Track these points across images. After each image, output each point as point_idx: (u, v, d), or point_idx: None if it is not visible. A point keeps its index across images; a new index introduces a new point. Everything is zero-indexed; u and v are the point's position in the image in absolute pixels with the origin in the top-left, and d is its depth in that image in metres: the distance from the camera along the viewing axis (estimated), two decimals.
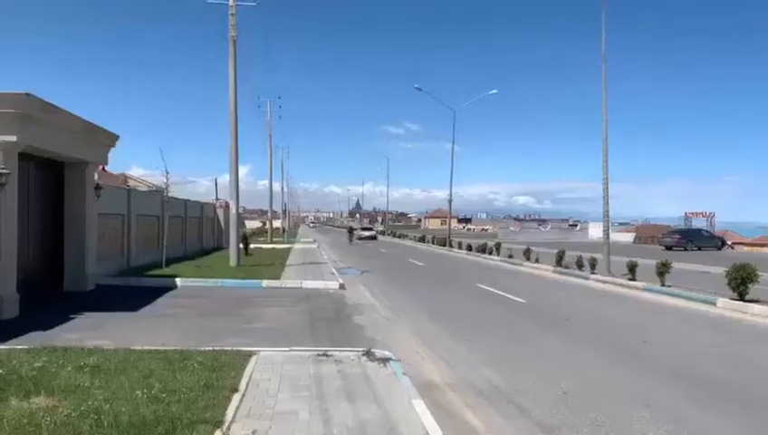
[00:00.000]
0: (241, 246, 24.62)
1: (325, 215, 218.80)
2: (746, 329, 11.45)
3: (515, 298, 15.44)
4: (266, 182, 53.78)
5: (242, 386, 6.39)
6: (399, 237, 63.57)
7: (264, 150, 54.93)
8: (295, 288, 16.63)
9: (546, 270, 23.66)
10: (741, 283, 13.48)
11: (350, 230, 57.98)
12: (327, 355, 7.98)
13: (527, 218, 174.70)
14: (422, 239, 52.11)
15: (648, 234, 55.75)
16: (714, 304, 13.89)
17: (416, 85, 43.26)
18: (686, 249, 38.90)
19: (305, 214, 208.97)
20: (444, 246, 42.62)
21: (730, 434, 5.60)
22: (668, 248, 39.36)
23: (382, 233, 78.08)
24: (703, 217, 56.66)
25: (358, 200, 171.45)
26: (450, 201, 47.79)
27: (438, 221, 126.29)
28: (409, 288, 17.88)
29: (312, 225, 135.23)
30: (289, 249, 35.64)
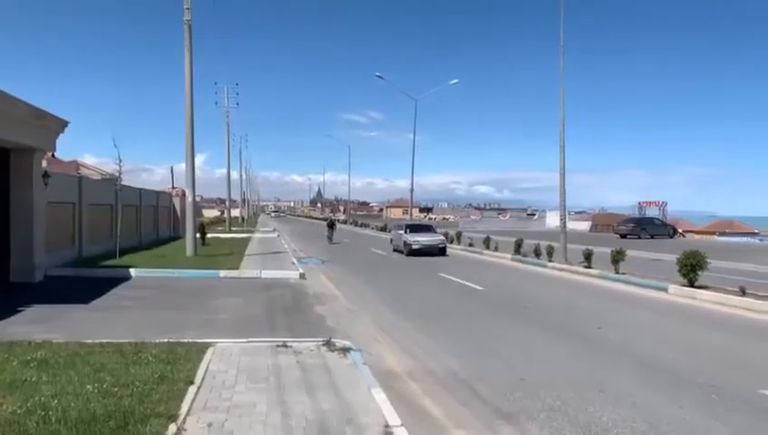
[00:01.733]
0: (198, 235, 24.16)
1: (286, 204, 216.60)
2: (696, 314, 11.86)
3: (475, 286, 15.60)
4: (224, 170, 52.82)
5: (198, 378, 6.25)
6: (361, 227, 63.56)
7: (222, 138, 53.77)
8: (254, 278, 16.41)
9: (505, 258, 24.01)
10: (691, 270, 13.95)
11: (331, 224, 38.26)
12: (286, 346, 7.89)
13: (487, 207, 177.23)
14: (384, 228, 52.18)
15: (603, 222, 57.15)
16: (665, 290, 14.34)
17: (377, 74, 43.01)
18: (639, 237, 40.07)
19: (265, 203, 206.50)
20: None
21: (683, 416, 5.76)
22: (623, 236, 40.47)
23: (344, 222, 77.91)
24: (656, 206, 58.40)
25: (319, 189, 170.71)
26: (412, 190, 47.98)
27: (400, 210, 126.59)
28: (371, 278, 17.88)
29: (273, 214, 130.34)
30: (248, 239, 35.16)
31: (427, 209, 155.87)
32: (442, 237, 27.18)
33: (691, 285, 13.96)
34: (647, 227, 42.67)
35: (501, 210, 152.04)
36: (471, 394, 6.42)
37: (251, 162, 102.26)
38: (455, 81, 45.16)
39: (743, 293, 12.64)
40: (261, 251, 25.68)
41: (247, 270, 17.43)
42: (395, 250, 28.43)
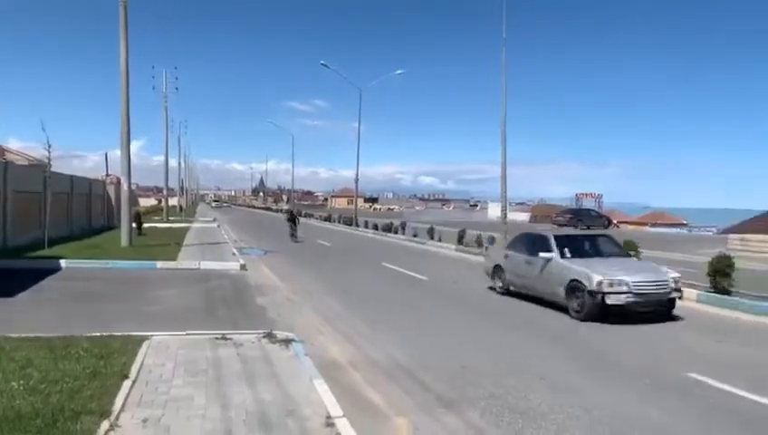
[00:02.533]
0: (134, 225, 23.31)
1: (226, 193, 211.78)
2: None
3: (419, 276, 15.74)
4: (162, 157, 51.00)
5: (133, 373, 6.01)
6: (305, 217, 62.85)
7: (160, 124, 51.91)
8: (193, 269, 15.97)
9: (449, 248, 24.34)
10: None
11: (293, 217, 30.19)
12: (226, 338, 7.70)
13: (432, 198, 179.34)
14: (328, 219, 51.94)
15: (542, 213, 58.91)
16: None
17: (322, 62, 42.47)
18: (576, 228, 41.45)
19: (205, 192, 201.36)
20: (350, 225, 42.71)
21: (616, 401, 5.99)
22: (561, 227, 41.77)
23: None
24: (592, 197, 60.75)
25: (261, 178, 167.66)
26: (357, 180, 47.94)
27: (345, 200, 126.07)
28: (314, 268, 17.74)
29: (214, 204, 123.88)
30: (186, 229, 34.21)
31: (373, 199, 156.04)
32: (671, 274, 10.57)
33: None
34: (583, 218, 44.21)
35: (445, 201, 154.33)
36: (414, 383, 6.47)
37: (190, 149, 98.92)
38: (400, 71, 45.31)
39: None
40: (200, 241, 25.03)
41: (185, 261, 16.94)
42: (506, 288, 12.85)
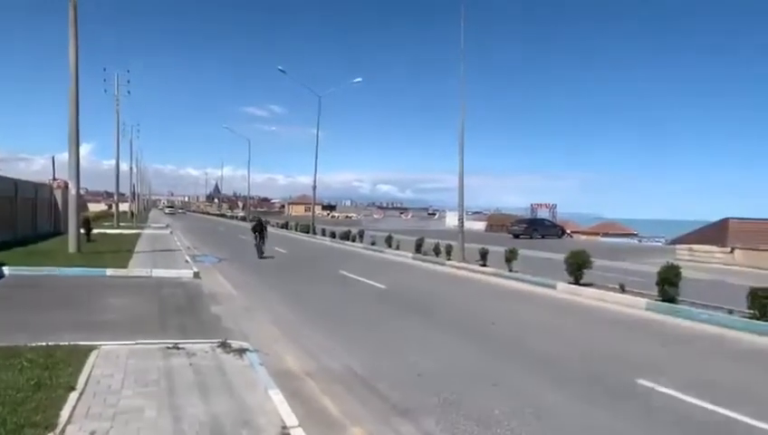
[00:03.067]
0: (82, 231, 22.55)
1: (180, 198, 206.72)
2: (581, 310, 12.68)
3: (376, 284, 15.74)
4: (113, 162, 49.56)
5: (80, 384, 5.81)
6: None
7: (111, 127, 50.42)
8: (144, 277, 15.56)
9: (406, 257, 24.45)
10: (577, 268, 14.93)
11: (260, 227, 24.31)
12: (178, 348, 7.53)
13: (390, 206, 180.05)
14: (285, 226, 51.43)
15: (498, 222, 59.80)
16: (554, 287, 15.24)
17: (279, 67, 42.21)
18: (531, 237, 42.29)
19: (158, 197, 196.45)
20: (308, 232, 42.43)
21: (568, 406, 6.13)
22: (516, 236, 42.54)
23: (244, 219, 75.83)
24: (546, 208, 62.05)
25: (217, 184, 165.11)
26: (315, 187, 47.65)
27: (302, 208, 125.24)
28: (270, 276, 17.53)
29: (168, 210, 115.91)
30: (138, 235, 33.31)
31: (331, 207, 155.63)
32: None
33: (577, 282, 14.94)
34: (538, 228, 45.13)
35: (403, 210, 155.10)
36: (370, 392, 6.46)
37: (142, 154, 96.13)
38: (358, 79, 45.38)
39: (622, 289, 13.70)
40: (152, 248, 24.40)
41: (137, 268, 16.49)
42: None
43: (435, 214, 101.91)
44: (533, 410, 5.89)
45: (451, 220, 62.39)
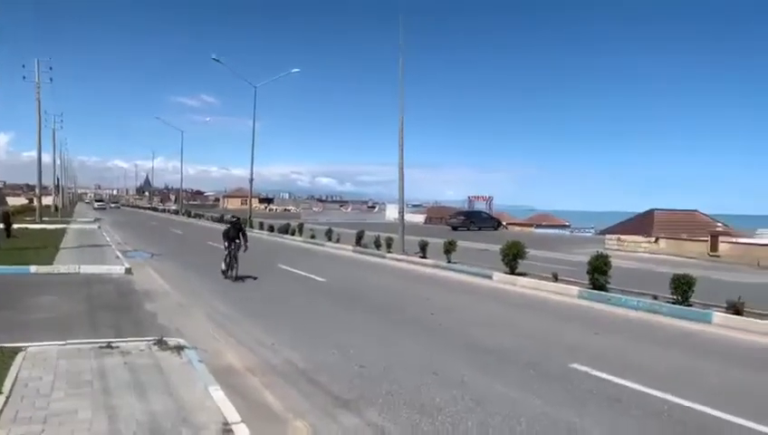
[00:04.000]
0: (1, 226, 21.26)
1: (108, 192, 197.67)
2: (516, 299, 13.10)
3: (317, 278, 15.67)
4: (34, 153, 46.75)
5: (6, 387, 5.51)
6: (196, 217, 60.44)
7: (32, 117, 47.54)
8: (72, 274, 14.84)
9: (347, 250, 24.44)
10: (512, 259, 15.38)
11: (236, 230, 15.46)
12: (112, 347, 7.24)
13: (329, 199, 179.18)
14: (221, 220, 50.06)
15: (437, 215, 60.76)
16: (490, 277, 15.65)
17: (213, 56, 41.01)
18: (468, 229, 43.16)
19: (84, 190, 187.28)
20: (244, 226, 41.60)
21: (506, 392, 6.32)
22: (454, 228, 43.28)
23: (176, 212, 73.53)
24: (483, 200, 63.53)
25: (147, 176, 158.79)
26: (251, 180, 46.87)
27: (239, 201, 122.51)
28: (206, 271, 17.08)
29: (98, 204, 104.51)
30: (63, 230, 31.69)
31: (268, 200, 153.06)
32: None
33: (512, 272, 15.39)
34: (475, 220, 46.13)
35: (343, 202, 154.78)
36: (312, 385, 6.44)
37: (67, 145, 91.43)
38: (296, 69, 44.73)
39: (555, 278, 14.22)
40: (79, 244, 23.29)
41: (63, 265, 15.71)
42: None
43: (375, 207, 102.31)
44: (473, 397, 6.05)
45: (391, 213, 62.85)
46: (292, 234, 32.30)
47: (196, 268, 17.64)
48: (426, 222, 59.90)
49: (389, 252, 21.65)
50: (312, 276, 15.90)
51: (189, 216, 63.48)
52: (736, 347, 8.94)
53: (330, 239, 27.45)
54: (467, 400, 5.97)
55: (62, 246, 21.98)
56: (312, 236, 29.47)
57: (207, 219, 54.70)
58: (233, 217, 17.03)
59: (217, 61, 41.77)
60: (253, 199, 55.26)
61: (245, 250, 15.15)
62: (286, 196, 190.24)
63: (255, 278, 15.41)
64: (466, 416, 5.51)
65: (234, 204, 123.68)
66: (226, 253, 15.07)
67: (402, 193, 22.97)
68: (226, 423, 4.90)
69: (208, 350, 7.72)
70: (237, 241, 15.20)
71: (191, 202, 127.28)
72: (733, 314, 10.29)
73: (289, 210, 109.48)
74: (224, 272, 14.98)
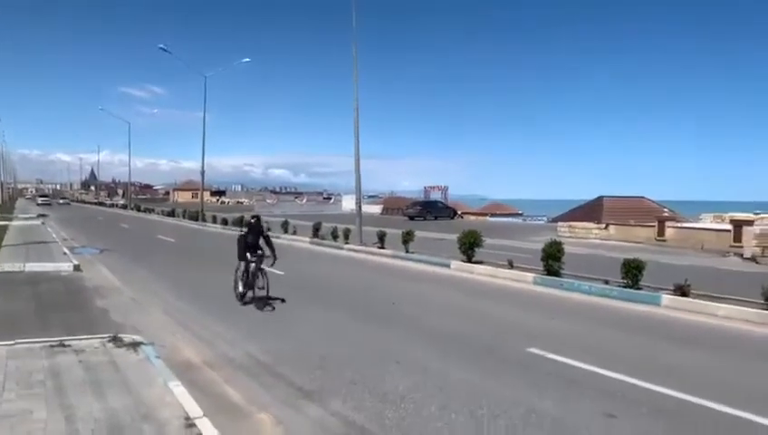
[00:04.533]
0: None
1: (51, 186, 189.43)
2: (474, 286, 13.33)
3: (274, 270, 15.41)
4: None
5: None
6: (145, 212, 58.74)
7: None
8: (16, 272, 14.20)
9: (304, 242, 24.26)
10: (469, 247, 15.61)
11: (256, 235, 11.33)
12: (64, 345, 7.00)
13: (284, 191, 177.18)
14: (172, 213, 48.93)
15: (394, 205, 60.85)
16: (448, 266, 15.86)
17: (161, 45, 39.88)
18: (425, 219, 43.48)
19: (24, 185, 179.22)
20: (197, 220, 40.70)
21: (466, 377, 6.44)
22: (411, 218, 43.53)
23: (125, 207, 71.32)
24: (439, 190, 63.97)
25: (93, 170, 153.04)
26: (203, 172, 45.91)
27: (189, 194, 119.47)
28: (159, 267, 16.69)
29: (41, 199, 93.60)
30: (4, 227, 30.29)
31: (220, 192, 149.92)
32: None
33: (469, 260, 15.63)
34: (431, 210, 46.51)
35: (298, 194, 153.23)
36: (274, 377, 6.41)
37: (5, 137, 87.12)
38: (246, 59, 43.85)
39: (510, 266, 14.51)
40: (23, 241, 22.33)
41: (7, 263, 15.03)
42: None
43: (330, 198, 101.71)
44: (436, 383, 6.14)
45: (347, 204, 62.69)
46: None
47: (146, 263, 17.17)
48: (383, 212, 59.92)
49: (347, 243, 21.61)
50: (270, 270, 15.67)
51: (139, 210, 61.62)
52: (684, 328, 9.35)
53: (286, 231, 27.18)
54: (430, 386, 6.05)
55: (4, 243, 21.00)
56: (268, 229, 29.02)
57: (158, 213, 53.31)
58: (252, 216, 11.91)
59: (165, 50, 40.64)
60: (204, 192, 54.10)
61: (274, 263, 10.95)
62: (239, 188, 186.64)
63: (210, 272, 15.08)
64: (429, 401, 5.59)
65: (184, 197, 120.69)
66: (243, 268, 10.95)
67: (359, 184, 22.96)
68: (188, 418, 4.82)
69: (166, 345, 7.56)
70: (260, 251, 11.02)
71: (140, 196, 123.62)
72: (680, 296, 10.73)
73: (242, 203, 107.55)
74: (241, 295, 10.84)
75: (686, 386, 6.06)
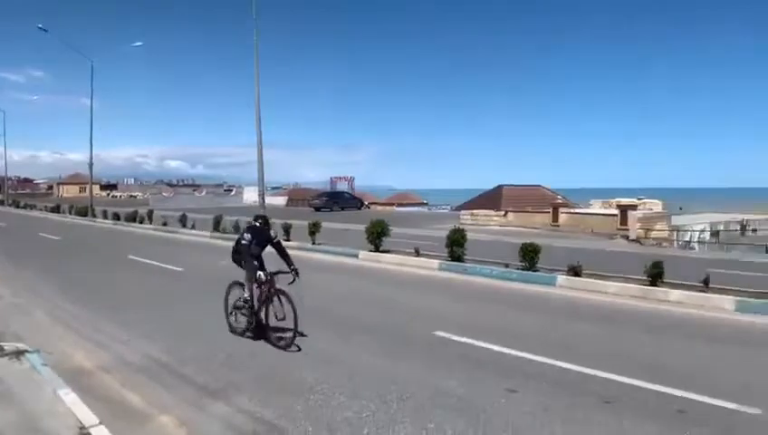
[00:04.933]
0: None
1: None
2: (381, 275, 13.52)
3: (173, 267, 14.79)
4: None
5: None
6: (26, 208, 54.06)
7: None
8: None
9: (204, 236, 23.39)
10: (377, 237, 15.74)
11: (263, 237, 7.95)
12: None
13: (181, 183, 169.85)
14: (56, 209, 45.39)
15: (299, 197, 60.14)
16: (356, 256, 15.92)
17: (39, 25, 36.69)
18: (332, 210, 43.33)
19: None
20: (85, 215, 38.02)
21: (373, 362, 6.49)
22: (317, 210, 43.17)
23: (0, 203, 65.26)
24: (345, 181, 64.12)
25: None
26: (91, 165, 42.71)
27: (77, 188, 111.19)
28: (43, 267, 15.37)
29: None
30: None
31: (111, 186, 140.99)
32: None
33: (377, 250, 15.77)
34: (338, 201, 46.47)
35: (196, 186, 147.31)
36: (176, 378, 6.11)
37: None
38: (138, 43, 41.47)
39: (417, 253, 14.81)
40: None
41: None
42: None
43: (231, 190, 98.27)
44: (344, 372, 6.14)
45: (249, 196, 61.17)
46: (141, 222, 30.24)
47: (27, 263, 15.79)
48: (287, 204, 58.98)
49: None
50: (168, 266, 14.98)
51: (18, 206, 56.56)
52: (578, 305, 9.99)
53: (184, 226, 26.09)
54: (338, 375, 6.03)
55: None
56: (165, 224, 27.77)
57: (41, 210, 49.23)
58: (257, 216, 8.51)
59: (44, 30, 37.44)
60: (94, 186, 50.47)
61: (295, 280, 7.71)
62: (131, 181, 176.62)
63: (101, 271, 14.14)
64: (339, 391, 5.57)
65: (71, 192, 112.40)
66: (247, 291, 7.72)
67: (262, 174, 22.46)
68: (83, 427, 4.49)
69: (54, 352, 6.97)
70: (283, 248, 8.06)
71: (19, 191, 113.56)
72: (573, 276, 11.47)
73: (135, 196, 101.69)
74: (243, 329, 7.72)
75: (583, 359, 6.46)
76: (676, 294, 10.12)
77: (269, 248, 7.93)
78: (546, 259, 12.63)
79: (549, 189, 44.16)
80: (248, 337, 7.57)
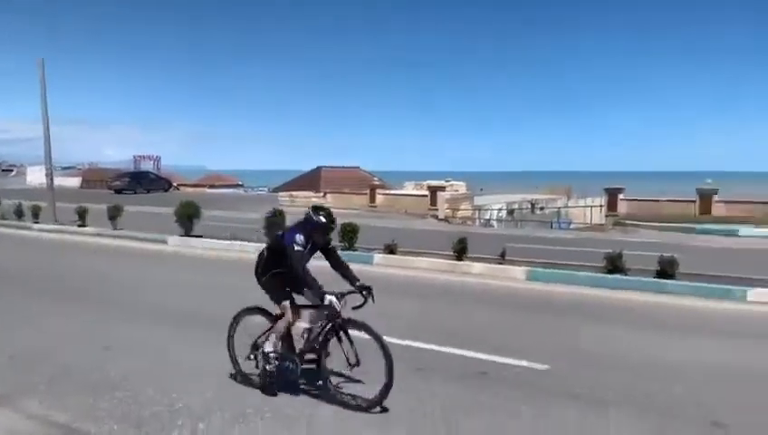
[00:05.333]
0: None
1: None
2: (194, 260, 12.95)
3: None
4: None
5: None
6: None
7: None
8: None
9: None
10: (187, 220, 15.01)
11: (324, 235, 5.58)
12: None
13: None
14: None
15: (96, 178, 54.25)
16: (165, 242, 14.94)
17: None
18: (135, 192, 40.06)
19: None
20: None
21: (192, 352, 6.13)
22: (119, 192, 39.59)
23: None
24: (150, 160, 59.56)
25: None
26: None
27: None
28: None
29: None
30: None
31: None
32: None
33: (188, 234, 14.96)
34: (142, 182, 43.10)
35: None
36: None
37: None
38: None
39: (233, 238, 14.27)
40: None
41: None
42: None
43: (12, 170, 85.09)
44: (153, 362, 5.76)
45: (34, 177, 53.49)
46: None
47: None
48: (82, 186, 52.82)
49: (37, 222, 18.62)
50: None
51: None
52: (392, 281, 10.43)
53: None
54: (148, 368, 5.60)
55: None
56: None
57: None
58: (316, 207, 5.78)
59: None
60: None
61: (365, 303, 5.14)
62: None
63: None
64: (146, 384, 5.15)
65: None
66: (290, 319, 5.31)
67: (49, 152, 19.80)
68: None
69: None
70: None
71: None
72: (389, 254, 12.04)
73: None
74: (270, 377, 5.11)
75: (398, 332, 6.72)
76: (478, 267, 11.15)
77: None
78: (364, 239, 13.02)
79: (366, 171, 45.70)
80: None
